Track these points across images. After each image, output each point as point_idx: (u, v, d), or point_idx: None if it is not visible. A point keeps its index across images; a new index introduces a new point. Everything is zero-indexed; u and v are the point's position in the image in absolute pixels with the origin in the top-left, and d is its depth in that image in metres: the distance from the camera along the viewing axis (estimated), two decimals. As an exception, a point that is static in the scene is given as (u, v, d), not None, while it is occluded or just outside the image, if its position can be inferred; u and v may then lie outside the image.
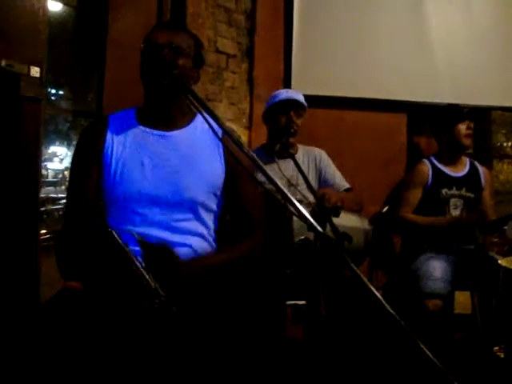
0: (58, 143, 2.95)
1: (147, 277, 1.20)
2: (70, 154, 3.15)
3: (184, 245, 1.47)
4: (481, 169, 2.91)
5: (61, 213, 2.85)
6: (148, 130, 1.54)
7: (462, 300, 2.96)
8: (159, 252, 1.32)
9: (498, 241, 3.36)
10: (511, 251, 3.10)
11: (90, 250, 1.36)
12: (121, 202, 1.46)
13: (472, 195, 2.79)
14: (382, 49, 3.38)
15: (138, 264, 1.22)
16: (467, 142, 2.77)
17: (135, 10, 2.73)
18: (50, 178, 2.92)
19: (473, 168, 2.87)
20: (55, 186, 2.96)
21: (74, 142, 3.03)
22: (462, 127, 2.74)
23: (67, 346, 1.17)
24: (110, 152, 1.50)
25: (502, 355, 2.42)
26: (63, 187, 3.17)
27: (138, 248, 1.32)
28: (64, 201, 2.94)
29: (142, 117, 1.57)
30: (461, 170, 2.84)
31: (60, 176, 3.25)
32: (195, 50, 1.56)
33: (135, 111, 1.60)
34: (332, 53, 3.32)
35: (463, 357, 2.62)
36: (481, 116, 3.72)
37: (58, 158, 3.06)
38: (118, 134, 1.53)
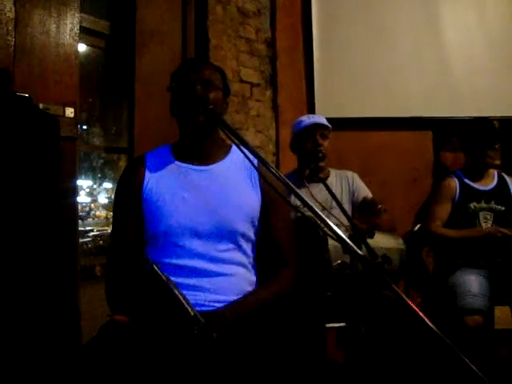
0: (89, 177, 3.04)
1: (186, 305, 1.23)
2: (98, 188, 3.24)
3: (227, 274, 1.49)
4: (509, 180, 2.89)
5: (90, 246, 2.92)
6: (185, 165, 1.58)
7: (502, 315, 2.91)
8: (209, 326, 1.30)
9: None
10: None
11: (134, 285, 1.40)
12: (163, 236, 1.49)
13: (502, 208, 2.76)
14: (402, 67, 3.41)
15: (178, 294, 1.25)
16: (494, 162, 2.79)
17: (160, 46, 2.82)
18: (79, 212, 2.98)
19: (501, 180, 2.85)
20: (82, 220, 3.03)
21: (106, 177, 3.13)
22: (492, 152, 2.77)
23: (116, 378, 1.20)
24: (149, 188, 1.53)
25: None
26: (90, 220, 3.25)
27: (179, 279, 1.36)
28: (92, 233, 3.03)
29: (178, 152, 1.61)
30: (489, 183, 2.82)
31: (87, 209, 3.34)
32: (223, 81, 1.61)
33: (170, 147, 1.64)
34: (353, 74, 3.37)
35: (508, 373, 2.56)
36: (506, 127, 3.70)
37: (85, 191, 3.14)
38: (156, 170, 1.57)
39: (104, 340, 1.35)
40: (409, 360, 1.99)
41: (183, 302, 1.23)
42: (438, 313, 2.62)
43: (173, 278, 1.32)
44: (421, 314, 1.00)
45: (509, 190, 2.85)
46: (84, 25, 2.47)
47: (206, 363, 1.21)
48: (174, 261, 1.47)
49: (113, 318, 1.39)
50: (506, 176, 2.90)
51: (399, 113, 3.38)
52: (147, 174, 1.56)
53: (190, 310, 1.22)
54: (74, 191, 2.26)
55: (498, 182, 2.84)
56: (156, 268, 1.30)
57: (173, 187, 1.53)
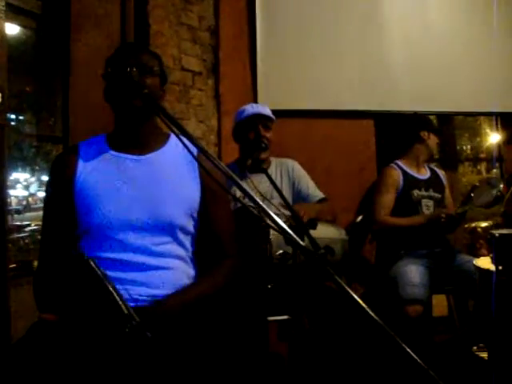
0: (21, 169, 2.88)
1: (120, 302, 1.19)
2: (33, 180, 3.08)
3: (164, 268, 1.44)
4: (438, 171, 3.06)
5: (26, 241, 2.77)
6: (121, 154, 1.52)
7: (439, 303, 3.00)
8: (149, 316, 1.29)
9: (469, 241, 3.42)
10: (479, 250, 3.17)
11: (66, 281, 1.34)
12: (97, 229, 1.43)
13: (439, 195, 2.90)
14: (344, 60, 3.43)
15: (112, 290, 1.20)
16: (436, 152, 2.92)
17: (98, 30, 2.69)
18: (13, 206, 2.83)
19: (432, 171, 3.01)
20: (19, 214, 2.88)
21: (38, 167, 2.97)
22: (435, 140, 2.88)
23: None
24: (82, 180, 1.47)
25: (481, 354, 2.45)
26: (27, 214, 3.09)
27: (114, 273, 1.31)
28: (29, 228, 2.87)
29: (113, 142, 1.55)
30: (425, 173, 2.97)
31: (24, 203, 3.17)
32: (160, 67, 1.55)
33: (106, 137, 1.57)
34: (297, 66, 3.35)
35: (445, 359, 2.64)
36: (444, 121, 3.83)
37: (22, 184, 2.99)
38: (89, 161, 1.50)
39: (30, 340, 1.30)
40: (352, 351, 2.00)
41: (117, 298, 1.18)
42: (380, 303, 2.66)
43: (108, 273, 1.26)
44: (363, 304, 0.98)
45: (441, 179, 3.00)
46: (11, 1, 2.30)
47: (140, 362, 1.16)
48: (109, 254, 1.41)
49: (39, 316, 1.32)
50: (433, 167, 3.07)
51: (342, 105, 3.39)
52: (80, 165, 1.49)
53: (123, 307, 1.17)
54: (2, 183, 2.11)
55: (431, 172, 2.99)
56: (91, 262, 1.23)
57: (107, 178, 1.47)
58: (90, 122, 2.55)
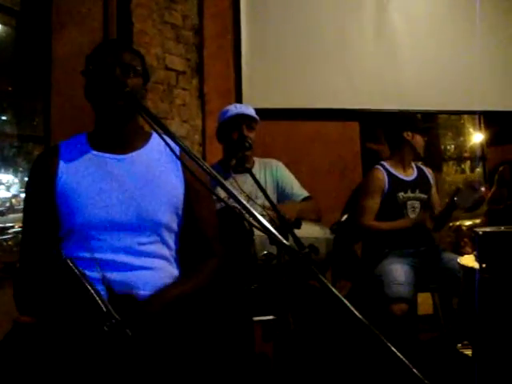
0: (3, 170, 2.83)
1: (99, 301, 1.18)
2: (16, 181, 3.03)
3: (148, 268, 1.43)
4: (426, 169, 3.04)
5: (10, 243, 2.73)
6: (102, 154, 1.50)
7: (424, 301, 3.02)
8: (123, 299, 1.29)
9: (454, 239, 3.45)
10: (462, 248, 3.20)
11: (46, 282, 1.33)
12: (80, 229, 1.41)
13: (425, 196, 2.89)
14: (329, 59, 3.43)
15: (92, 289, 1.19)
16: (423, 152, 2.89)
17: (80, 28, 2.66)
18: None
19: (419, 170, 2.99)
20: (2, 215, 2.83)
21: (21, 168, 2.92)
22: (421, 140, 2.86)
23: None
24: (63, 181, 1.45)
25: (466, 352, 2.47)
26: (11, 216, 3.04)
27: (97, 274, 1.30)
28: (12, 230, 2.83)
29: (94, 141, 1.53)
30: (411, 174, 2.95)
31: (7, 204, 3.12)
32: (143, 66, 1.54)
33: (86, 136, 1.55)
34: (282, 65, 3.35)
35: (429, 357, 2.66)
36: (429, 121, 3.84)
37: (5, 185, 2.94)
38: (71, 161, 1.48)
39: (8, 343, 1.28)
40: (337, 350, 2.00)
41: (95, 297, 1.17)
42: (366, 301, 2.67)
43: (92, 273, 1.27)
44: (347, 303, 0.98)
45: (428, 179, 2.99)
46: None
47: (120, 362, 1.14)
48: (93, 255, 1.38)
49: (17, 319, 1.30)
50: (421, 165, 3.05)
51: (327, 104, 3.39)
52: (61, 165, 1.47)
53: (102, 305, 1.15)
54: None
55: (418, 171, 2.97)
56: (70, 262, 1.22)
57: (89, 178, 1.45)
58: (72, 121, 2.52)
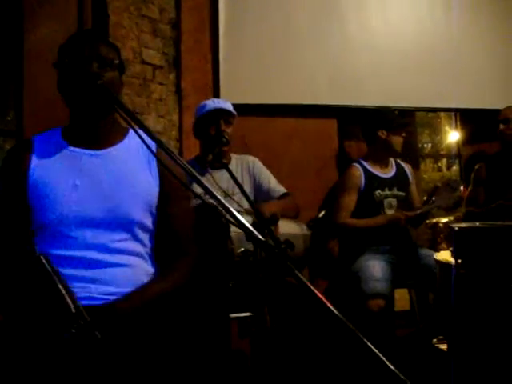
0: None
1: (69, 301, 1.14)
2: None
3: (122, 265, 1.40)
4: (405, 166, 3.04)
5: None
6: (77, 149, 1.47)
7: (400, 297, 3.04)
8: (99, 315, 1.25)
9: (430, 236, 3.48)
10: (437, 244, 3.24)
11: (16, 278, 1.29)
12: (52, 226, 1.38)
13: (403, 194, 2.89)
14: (308, 54, 3.42)
15: (62, 288, 1.15)
16: (401, 149, 2.89)
17: (53, 20, 2.60)
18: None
19: (398, 167, 2.99)
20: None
21: None
22: (397, 138, 2.86)
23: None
24: (36, 176, 1.41)
25: (441, 346, 2.49)
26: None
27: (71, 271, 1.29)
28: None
29: (69, 136, 1.49)
30: (389, 171, 2.94)
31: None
32: (119, 59, 1.50)
33: (61, 130, 1.51)
34: (259, 61, 3.33)
35: (406, 352, 2.68)
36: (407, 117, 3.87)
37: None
38: (44, 156, 1.45)
39: None
40: (314, 346, 2.00)
41: (66, 297, 1.13)
42: (343, 297, 2.68)
43: (64, 270, 1.23)
44: (324, 299, 0.97)
45: (407, 175, 2.99)
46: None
47: (89, 364, 1.11)
48: (65, 252, 1.36)
49: None
50: (401, 162, 3.04)
51: (305, 100, 3.39)
52: (34, 160, 1.43)
53: (71, 306, 1.11)
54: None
55: (397, 168, 2.97)
56: (43, 259, 1.18)
57: (63, 174, 1.42)
58: (45, 114, 2.47)
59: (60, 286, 1.15)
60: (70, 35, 1.51)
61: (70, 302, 1.12)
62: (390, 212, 2.81)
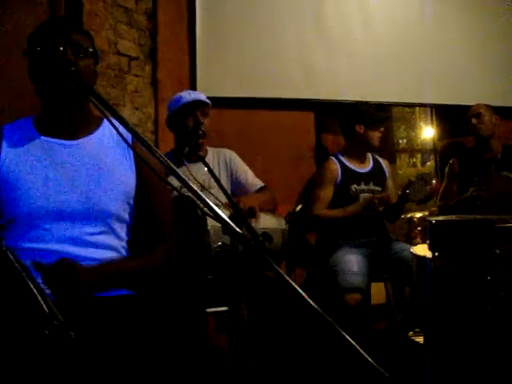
0: None
1: (41, 300, 1.09)
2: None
3: (96, 259, 1.37)
4: (382, 161, 3.05)
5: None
6: (50, 139, 1.43)
7: (377, 291, 3.06)
8: (56, 268, 1.22)
9: (406, 230, 3.51)
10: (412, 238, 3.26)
11: None
12: (25, 218, 1.35)
13: (379, 188, 2.90)
14: (285, 48, 3.40)
15: (34, 287, 1.10)
16: (378, 144, 2.88)
17: (25, 7, 2.53)
18: None
19: (375, 162, 3.00)
20: None
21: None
22: (374, 133, 2.85)
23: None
24: (6, 167, 1.38)
25: (417, 339, 2.52)
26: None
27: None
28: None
29: (41, 126, 1.46)
30: (366, 166, 2.95)
31: None
32: (93, 48, 1.46)
33: (33, 120, 1.48)
34: (237, 53, 3.30)
35: (382, 345, 2.70)
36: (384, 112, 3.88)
37: None
38: (15, 146, 1.41)
39: None
40: (292, 340, 2.00)
41: (37, 295, 1.08)
42: (320, 292, 2.68)
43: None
44: (301, 292, 0.96)
45: (384, 170, 3.01)
46: None
47: (63, 366, 1.08)
48: (37, 245, 1.33)
49: None
50: (378, 157, 3.05)
51: (282, 94, 3.37)
52: (4, 151, 1.40)
53: (44, 305, 1.07)
54: None
55: (374, 163, 2.98)
56: (9, 254, 1.13)
57: (35, 165, 1.39)
58: (16, 103, 2.40)
59: (30, 284, 1.10)
60: (41, 23, 1.47)
61: (41, 300, 1.08)
62: None
